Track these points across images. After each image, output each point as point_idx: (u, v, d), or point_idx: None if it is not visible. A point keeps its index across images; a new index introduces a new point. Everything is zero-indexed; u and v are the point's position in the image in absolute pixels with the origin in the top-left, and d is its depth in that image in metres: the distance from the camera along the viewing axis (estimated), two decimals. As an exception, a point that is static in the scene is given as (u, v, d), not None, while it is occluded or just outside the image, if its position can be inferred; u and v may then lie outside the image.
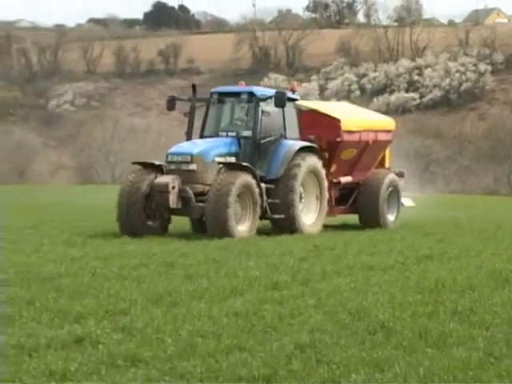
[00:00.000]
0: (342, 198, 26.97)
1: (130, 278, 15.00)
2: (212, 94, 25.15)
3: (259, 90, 24.84)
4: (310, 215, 25.10)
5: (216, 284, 14.21)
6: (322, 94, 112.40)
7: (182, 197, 22.69)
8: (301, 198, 24.58)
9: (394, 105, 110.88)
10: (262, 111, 24.00)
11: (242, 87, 25.95)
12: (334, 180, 26.18)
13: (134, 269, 16.06)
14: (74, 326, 10.95)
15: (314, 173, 24.74)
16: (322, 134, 25.61)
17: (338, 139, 25.76)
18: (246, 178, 22.75)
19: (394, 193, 27.58)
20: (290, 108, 24.91)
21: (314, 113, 26.31)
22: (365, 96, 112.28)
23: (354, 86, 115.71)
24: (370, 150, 26.99)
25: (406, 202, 29.03)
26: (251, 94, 24.42)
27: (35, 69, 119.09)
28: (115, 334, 10.53)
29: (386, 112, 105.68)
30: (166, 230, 23.59)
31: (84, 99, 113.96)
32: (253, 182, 22.91)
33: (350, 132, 26.07)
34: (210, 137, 24.62)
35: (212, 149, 23.63)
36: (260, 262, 16.99)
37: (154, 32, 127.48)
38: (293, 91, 25.81)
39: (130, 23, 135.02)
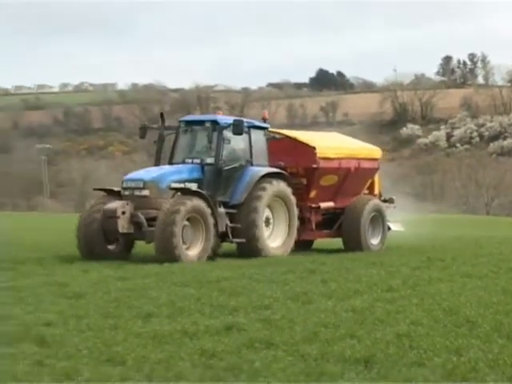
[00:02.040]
0: (328, 222, 23.03)
1: (277, 281, 14.95)
2: (180, 122, 21.55)
3: (222, 119, 20.83)
4: (278, 239, 21.04)
5: (343, 287, 14.07)
6: (449, 140, 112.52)
7: (135, 222, 19.10)
8: (268, 222, 20.77)
9: (506, 148, 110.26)
10: (224, 139, 20.21)
11: (206, 116, 22.75)
12: (313, 205, 22.30)
13: (283, 274, 16.00)
14: (228, 317, 11.03)
15: (281, 198, 20.86)
16: (298, 161, 22.02)
17: (314, 166, 21.85)
18: (195, 203, 18.81)
19: (378, 217, 23.35)
20: (258, 136, 21.16)
21: (290, 141, 22.55)
22: (483, 141, 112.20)
23: (474, 134, 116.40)
24: (353, 177, 22.93)
25: (394, 226, 24.60)
26: (214, 122, 20.51)
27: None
28: (257, 323, 10.50)
29: (501, 154, 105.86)
30: (128, 253, 19.89)
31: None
32: (203, 205, 18.97)
33: (327, 159, 22.21)
34: (177, 164, 20.76)
35: (167, 175, 19.84)
36: (381, 270, 16.71)
37: (317, 92, 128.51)
38: (264, 120, 22.15)
39: (299, 86, 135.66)
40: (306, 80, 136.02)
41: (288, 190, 20.85)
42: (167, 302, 12.24)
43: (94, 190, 21.32)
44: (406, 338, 9.51)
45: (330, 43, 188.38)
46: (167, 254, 18.29)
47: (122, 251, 19.52)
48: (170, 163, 20.86)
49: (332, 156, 22.27)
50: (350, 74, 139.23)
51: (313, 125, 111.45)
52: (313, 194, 22.12)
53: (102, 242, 19.25)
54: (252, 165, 20.57)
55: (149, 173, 20.23)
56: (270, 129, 22.56)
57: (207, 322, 10.60)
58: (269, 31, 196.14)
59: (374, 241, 23.17)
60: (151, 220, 18.96)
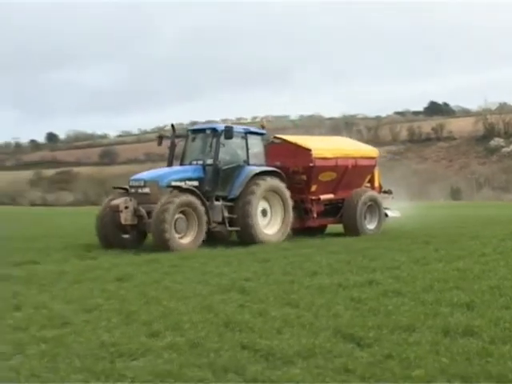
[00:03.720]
0: (332, 211, 20.20)
1: (403, 249, 14.63)
2: (188, 131, 18.97)
3: (220, 127, 17.95)
4: (274, 227, 18.08)
5: (450, 253, 13.57)
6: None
7: (138, 215, 16.51)
8: (266, 213, 17.98)
9: None
10: (221, 143, 17.52)
11: (207, 125, 19.42)
12: (314, 197, 19.57)
13: (407, 245, 15.65)
14: (369, 275, 10.77)
15: (276, 192, 18.01)
16: (298, 161, 19.29)
17: (311, 164, 19.16)
18: (185, 198, 16.21)
19: (374, 206, 20.32)
20: (255, 140, 18.42)
21: (292, 145, 19.68)
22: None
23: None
24: (351, 173, 20.08)
25: (392, 213, 21.48)
26: (213, 130, 17.92)
27: (365, 139, 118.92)
28: (389, 279, 10.24)
29: None
30: (141, 242, 17.13)
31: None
32: (194, 200, 16.34)
33: (323, 159, 19.40)
34: (185, 165, 18.18)
35: (168, 175, 17.23)
36: (477, 241, 16.01)
37: (429, 117, 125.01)
38: (262, 127, 19.28)
39: (416, 113, 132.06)
40: (421, 109, 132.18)
41: (281, 185, 18.09)
42: (326, 265, 12.16)
43: (114, 188, 18.31)
44: (497, 289, 9.09)
45: (438, 83, 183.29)
46: (161, 242, 15.78)
47: (135, 240, 16.94)
48: (181, 164, 18.35)
49: (329, 156, 19.58)
50: (453, 103, 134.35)
51: (426, 140, 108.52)
52: (313, 188, 19.52)
53: (115, 232, 16.82)
54: (248, 165, 17.98)
55: (151, 173, 17.77)
56: (278, 136, 20.55)
57: (355, 278, 10.44)
58: (396, 73, 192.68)
59: (371, 226, 20.23)
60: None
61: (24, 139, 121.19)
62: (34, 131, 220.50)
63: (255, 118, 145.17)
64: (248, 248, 15.71)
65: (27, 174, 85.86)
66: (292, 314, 7.95)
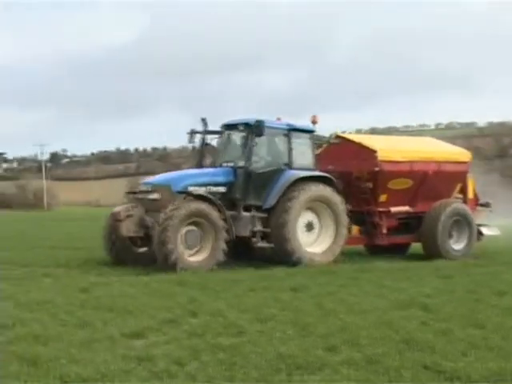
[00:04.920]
0: (407, 227, 17.47)
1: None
2: (222, 126, 16.35)
3: (253, 121, 15.20)
4: (322, 245, 15.58)
5: None
6: None
7: (143, 225, 14.51)
8: (311, 227, 15.50)
9: None
10: (255, 141, 15.07)
11: (242, 119, 15.94)
12: (383, 209, 16.83)
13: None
14: None
15: (326, 202, 15.47)
16: (362, 165, 16.71)
17: (377, 169, 16.50)
18: (196, 206, 13.96)
19: (463, 222, 17.42)
20: (301, 139, 15.83)
21: (354, 145, 17.06)
22: None
23: None
24: (432, 181, 17.25)
25: (489, 231, 18.45)
26: (247, 125, 15.36)
27: None
28: None
29: None
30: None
31: None
32: (207, 209, 14.08)
33: (393, 162, 16.70)
34: (216, 167, 15.75)
35: (185, 178, 14.90)
36: None
37: None
38: (313, 123, 16.26)
39: None
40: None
41: (331, 193, 15.58)
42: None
43: (127, 193, 16.40)
44: None
45: None
46: (163, 259, 13.73)
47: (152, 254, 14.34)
48: (214, 166, 15.95)
49: (400, 159, 16.90)
50: None
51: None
52: (382, 198, 16.86)
53: (126, 245, 14.92)
54: (291, 168, 15.51)
55: (164, 176, 15.56)
56: (340, 134, 18.02)
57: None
58: None
59: (457, 246, 17.39)
60: None
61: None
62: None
63: (438, 124, 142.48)
64: (428, 263, 15.40)
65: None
66: (478, 335, 7.77)
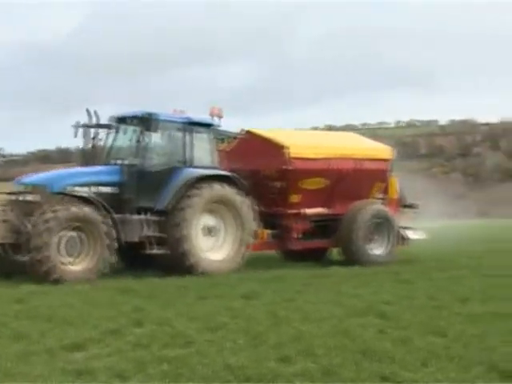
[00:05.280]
0: (324, 231, 16.69)
1: None
2: (110, 119, 15.31)
3: (143, 113, 14.40)
4: (223, 251, 14.79)
5: None
6: None
7: (16, 231, 13.08)
8: (211, 232, 14.68)
9: None
10: (147, 137, 14.27)
11: (133, 111, 14.90)
12: (295, 211, 15.97)
13: None
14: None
15: (226, 204, 14.62)
16: (270, 162, 15.86)
17: (286, 167, 15.66)
18: (78, 210, 13.00)
19: (383, 225, 16.72)
20: (201, 134, 15.01)
21: (263, 140, 16.14)
22: None
23: None
24: (351, 180, 16.54)
25: (414, 234, 17.87)
26: (137, 118, 14.54)
27: None
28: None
29: None
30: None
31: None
32: (91, 213, 13.14)
33: (305, 159, 15.84)
34: (101, 165, 14.78)
35: (64, 178, 13.85)
36: None
37: None
38: (215, 116, 15.41)
39: None
40: None
41: (236, 196, 14.72)
42: (480, 290, 11.75)
43: (2, 193, 14.39)
44: None
45: None
46: (35, 268, 12.78)
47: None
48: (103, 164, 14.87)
49: (312, 156, 16.02)
50: None
51: None
52: (294, 198, 15.97)
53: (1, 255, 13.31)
54: (189, 166, 14.63)
55: (42, 175, 14.42)
56: (249, 129, 16.75)
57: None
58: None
59: (378, 251, 16.68)
60: None
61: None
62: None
63: (399, 122, 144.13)
64: (388, 267, 15.51)
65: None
66: (439, 343, 7.76)
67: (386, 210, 17.15)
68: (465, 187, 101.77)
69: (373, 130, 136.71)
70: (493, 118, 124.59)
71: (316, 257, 17.35)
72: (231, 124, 19.49)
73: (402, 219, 17.86)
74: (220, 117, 15.50)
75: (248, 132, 16.69)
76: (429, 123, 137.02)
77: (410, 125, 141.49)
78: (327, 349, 7.44)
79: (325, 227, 16.81)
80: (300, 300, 10.74)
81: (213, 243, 14.81)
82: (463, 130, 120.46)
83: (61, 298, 10.83)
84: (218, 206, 14.75)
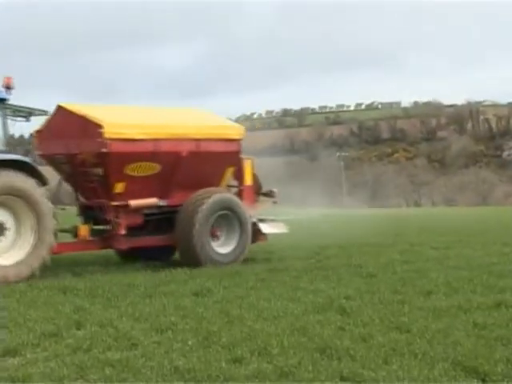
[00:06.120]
0: (159, 226, 15.09)
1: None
2: None
3: None
4: (20, 253, 12.79)
5: None
6: None
7: None
8: (3, 229, 12.79)
9: None
10: None
11: None
12: (119, 203, 14.17)
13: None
14: (497, 296, 10.58)
15: (19, 196, 12.74)
16: (86, 144, 14.06)
17: (104, 150, 13.75)
18: None
19: (231, 217, 15.15)
20: None
21: (76, 119, 14.20)
22: None
23: None
24: (189, 165, 14.79)
25: (272, 228, 16.36)
26: None
27: (494, 131, 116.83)
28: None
29: None
30: None
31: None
32: None
33: (126, 141, 13.96)
34: None
35: None
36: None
37: None
38: (7, 88, 13.50)
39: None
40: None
41: (33, 187, 12.92)
42: (444, 283, 11.95)
43: None
44: None
45: None
46: None
47: None
48: None
49: (137, 137, 14.19)
50: None
51: None
52: (118, 187, 14.16)
53: None
54: None
55: None
56: (63, 104, 14.77)
57: (479, 299, 10.20)
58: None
59: (224, 249, 15.16)
60: None
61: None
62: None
63: (360, 105, 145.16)
64: (350, 260, 15.63)
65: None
66: (401, 340, 7.87)
67: (234, 199, 15.48)
68: (431, 174, 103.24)
69: (332, 114, 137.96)
70: (458, 100, 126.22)
71: (162, 256, 15.80)
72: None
73: (257, 210, 16.37)
74: (9, 88, 13.62)
75: (60, 108, 14.76)
76: (391, 105, 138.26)
77: (371, 107, 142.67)
78: (283, 348, 7.51)
79: (161, 221, 15.15)
80: (254, 296, 10.78)
81: (5, 245, 12.95)
82: (427, 112, 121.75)
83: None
84: (10, 198, 12.82)
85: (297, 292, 11.18)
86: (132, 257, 15.53)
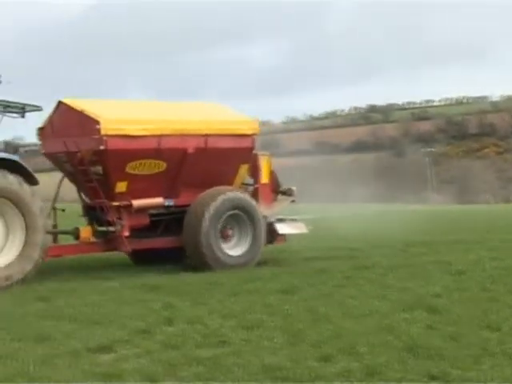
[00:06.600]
0: (167, 228, 14.34)
1: None
2: None
3: None
4: (8, 255, 12.08)
5: None
6: None
7: None
8: None
9: None
10: None
11: None
12: (122, 203, 13.52)
13: None
14: None
15: (5, 197, 12.02)
16: (84, 142, 13.32)
17: (102, 147, 13.06)
18: None
19: (243, 218, 14.29)
20: None
21: (75, 114, 13.55)
22: None
23: None
24: (197, 162, 14.03)
25: (288, 228, 15.35)
26: None
27: None
28: None
29: None
30: None
31: None
32: None
33: (126, 137, 13.24)
34: None
35: None
36: None
37: None
38: None
39: None
40: None
41: (21, 187, 12.25)
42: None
43: None
44: None
45: None
46: None
47: None
48: None
49: (137, 133, 13.45)
50: None
51: None
52: (120, 187, 13.54)
53: None
54: None
55: None
56: (64, 100, 14.01)
57: None
58: None
59: (235, 252, 14.32)
60: None
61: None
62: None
63: (448, 99, 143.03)
64: (437, 257, 15.42)
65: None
66: (492, 339, 7.75)
67: (246, 198, 14.57)
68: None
69: (416, 110, 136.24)
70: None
71: (174, 257, 14.82)
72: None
73: (274, 209, 15.55)
74: None
75: (60, 103, 14.13)
76: (479, 100, 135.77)
77: (459, 102, 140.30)
78: (371, 346, 7.48)
79: (170, 222, 14.44)
80: (340, 294, 10.75)
81: None
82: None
83: (86, 297, 10.94)
84: (2, 202, 12.19)
85: (384, 290, 11.10)
86: (145, 259, 14.79)
